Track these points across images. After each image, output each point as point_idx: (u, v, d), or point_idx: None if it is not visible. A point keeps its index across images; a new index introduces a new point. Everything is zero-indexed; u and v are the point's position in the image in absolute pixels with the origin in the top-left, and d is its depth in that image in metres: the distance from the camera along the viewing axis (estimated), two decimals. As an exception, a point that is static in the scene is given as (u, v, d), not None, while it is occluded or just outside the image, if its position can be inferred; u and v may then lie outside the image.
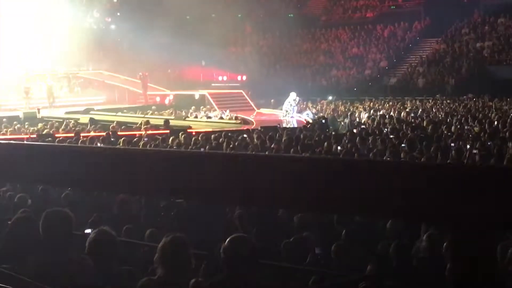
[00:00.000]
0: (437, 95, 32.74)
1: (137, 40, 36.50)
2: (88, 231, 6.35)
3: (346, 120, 23.72)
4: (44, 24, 36.03)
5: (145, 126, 20.10)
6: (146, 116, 26.07)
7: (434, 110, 26.52)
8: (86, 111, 28.45)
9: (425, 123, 19.79)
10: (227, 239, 4.18)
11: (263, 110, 32.92)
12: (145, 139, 16.28)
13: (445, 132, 16.96)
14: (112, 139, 16.27)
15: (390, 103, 31.74)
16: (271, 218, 7.88)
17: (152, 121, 22.79)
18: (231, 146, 14.53)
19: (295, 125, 24.93)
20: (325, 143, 14.28)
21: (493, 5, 40.21)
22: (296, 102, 28.59)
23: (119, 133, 18.34)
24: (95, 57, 37.22)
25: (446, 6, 42.15)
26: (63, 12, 35.31)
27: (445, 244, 5.96)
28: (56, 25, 35.11)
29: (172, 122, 22.78)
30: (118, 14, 37.63)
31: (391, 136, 16.02)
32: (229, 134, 16.84)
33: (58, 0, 34.96)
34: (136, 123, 22.01)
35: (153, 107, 31.09)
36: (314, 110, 30.53)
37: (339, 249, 6.37)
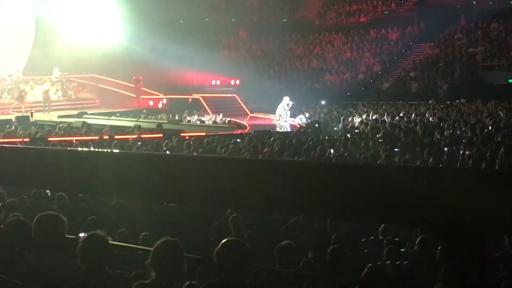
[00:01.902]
0: (430, 100, 32.79)
1: (130, 44, 36.44)
2: (82, 234, 6.34)
3: (340, 125, 23.75)
4: (38, 28, 35.99)
5: (137, 132, 20.08)
6: (139, 120, 26.04)
7: (427, 115, 26.57)
8: (80, 115, 28.37)
9: (417, 127, 19.83)
10: (220, 243, 4.17)
11: (256, 115, 32.95)
12: (139, 143, 16.25)
13: (438, 136, 16.99)
14: (104, 143, 16.23)
15: (384, 107, 31.81)
16: (264, 222, 7.88)
17: (146, 125, 22.76)
18: (224, 149, 14.53)
19: (289, 129, 24.96)
20: (318, 147, 14.29)
21: (485, 10, 40.37)
22: (290, 107, 28.65)
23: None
24: (89, 61, 37.13)
25: (439, 11, 42.28)
26: (57, 17, 35.24)
27: (439, 248, 5.97)
28: (49, 29, 35.04)
29: (165, 126, 22.76)
30: (112, 20, 37.55)
31: (382, 141, 16.05)
32: (222, 138, 16.84)
33: (51, 6, 34.87)
34: (130, 127, 21.98)
35: (144, 111, 31.03)
36: (307, 115, 30.57)
37: (334, 253, 6.37)
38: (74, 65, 34.97)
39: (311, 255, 6.85)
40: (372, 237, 7.41)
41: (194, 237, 6.94)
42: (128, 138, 18.18)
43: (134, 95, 34.34)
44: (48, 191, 8.87)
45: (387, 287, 6.25)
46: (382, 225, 7.13)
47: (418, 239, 6.52)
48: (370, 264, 6.07)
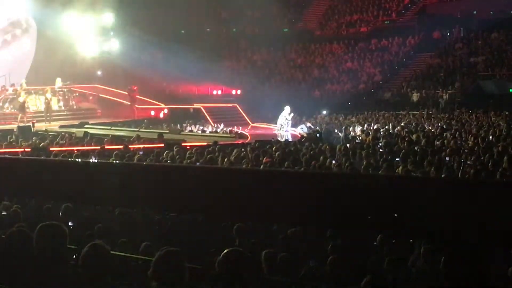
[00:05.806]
0: (431, 111, 32.82)
1: (132, 54, 36.53)
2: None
3: (341, 134, 23.76)
4: (39, 39, 36.10)
5: (135, 142, 20.07)
6: (140, 130, 26.07)
7: (427, 126, 26.58)
8: (81, 125, 28.40)
9: (415, 136, 19.81)
10: (222, 253, 4.18)
11: (257, 124, 32.98)
12: (140, 153, 16.26)
13: (439, 146, 17.00)
14: (106, 153, 16.23)
15: (386, 115, 31.83)
16: (265, 231, 7.89)
17: (147, 135, 22.77)
18: (226, 159, 14.54)
19: (290, 139, 24.95)
20: (320, 157, 14.29)
21: (486, 20, 40.45)
22: (291, 116, 28.66)
23: (112, 147, 18.30)
24: (90, 72, 37.24)
25: (440, 21, 42.37)
26: (59, 28, 35.33)
27: (442, 258, 5.96)
28: (51, 40, 35.12)
29: (166, 136, 22.78)
30: (111, 33, 37.65)
31: (382, 150, 16.06)
32: (223, 148, 16.86)
33: (53, 17, 34.95)
34: (131, 137, 22.00)
35: (145, 121, 31.07)
36: (308, 124, 30.58)
37: (335, 262, 6.37)
38: (75, 76, 35.06)
39: (312, 263, 6.85)
40: (373, 246, 7.41)
41: (195, 247, 6.94)
42: (130, 149, 18.18)
43: (129, 103, 34.31)
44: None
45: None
46: (383, 235, 7.12)
47: (421, 249, 6.52)
48: (371, 273, 6.06)
